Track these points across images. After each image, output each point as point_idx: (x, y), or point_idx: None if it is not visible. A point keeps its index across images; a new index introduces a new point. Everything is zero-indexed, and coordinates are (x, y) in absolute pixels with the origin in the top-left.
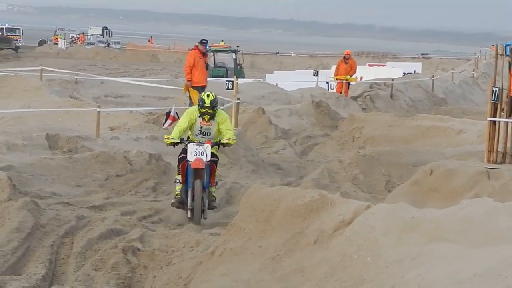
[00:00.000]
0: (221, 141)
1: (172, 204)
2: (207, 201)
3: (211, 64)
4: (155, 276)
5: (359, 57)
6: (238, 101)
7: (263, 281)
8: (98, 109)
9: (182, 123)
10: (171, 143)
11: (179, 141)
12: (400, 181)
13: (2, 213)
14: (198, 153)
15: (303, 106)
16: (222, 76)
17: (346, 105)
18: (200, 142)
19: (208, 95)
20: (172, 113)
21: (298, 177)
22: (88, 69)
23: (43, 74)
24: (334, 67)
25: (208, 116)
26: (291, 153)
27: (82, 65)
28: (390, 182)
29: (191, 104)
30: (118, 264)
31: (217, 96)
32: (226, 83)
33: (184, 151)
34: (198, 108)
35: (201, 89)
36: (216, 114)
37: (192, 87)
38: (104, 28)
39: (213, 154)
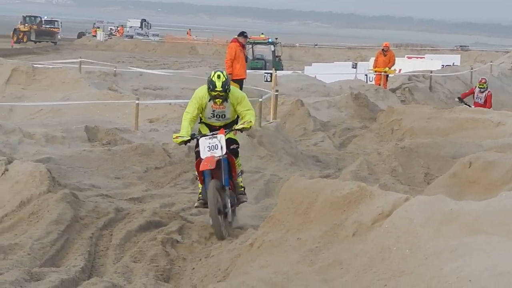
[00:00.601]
0: (237, 127)
1: (197, 207)
2: (228, 201)
3: (250, 57)
4: (193, 268)
5: (397, 49)
6: (276, 93)
7: (302, 273)
8: (137, 101)
9: (191, 110)
10: (181, 142)
11: (189, 138)
12: (438, 173)
13: (41, 205)
14: (212, 148)
15: (342, 98)
16: (260, 68)
17: (385, 97)
18: (213, 134)
19: (219, 76)
20: None
21: (337, 169)
22: (126, 61)
23: (82, 66)
24: (372, 59)
25: (221, 100)
26: (330, 145)
27: (121, 57)
28: (429, 174)
29: None
30: (157, 256)
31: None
32: (264, 75)
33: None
34: (208, 91)
35: (240, 82)
36: (230, 95)
37: (232, 80)
38: (143, 20)
39: (231, 140)
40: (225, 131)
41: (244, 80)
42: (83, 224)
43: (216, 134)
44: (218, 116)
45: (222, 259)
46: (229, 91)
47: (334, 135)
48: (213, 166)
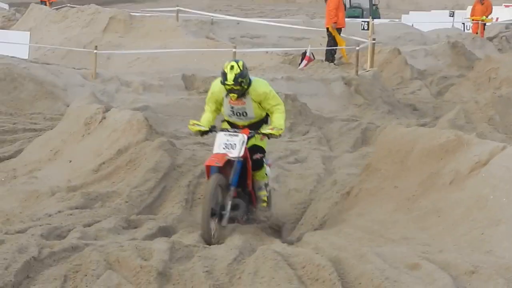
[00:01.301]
0: (263, 131)
1: None
2: (229, 204)
3: (347, 5)
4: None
5: None
6: (373, 41)
7: (399, 221)
8: (234, 50)
9: (210, 104)
10: (197, 130)
11: (208, 129)
12: None
13: (138, 153)
14: (229, 146)
15: (439, 47)
16: (357, 17)
17: (482, 46)
18: (235, 131)
19: (232, 67)
20: (308, 54)
21: (434, 118)
22: (223, 9)
23: (179, 14)
24: (470, 7)
25: (236, 95)
26: (427, 93)
27: (218, 5)
28: None
29: (334, 44)
30: None
31: (245, 66)
32: (361, 24)
33: None
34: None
35: (339, 30)
36: (250, 90)
37: (337, 29)
38: None
39: (256, 148)
40: (250, 132)
41: (342, 29)
42: (180, 172)
43: (237, 133)
44: (238, 114)
45: (319, 207)
46: (246, 85)
47: (431, 84)
48: (220, 164)
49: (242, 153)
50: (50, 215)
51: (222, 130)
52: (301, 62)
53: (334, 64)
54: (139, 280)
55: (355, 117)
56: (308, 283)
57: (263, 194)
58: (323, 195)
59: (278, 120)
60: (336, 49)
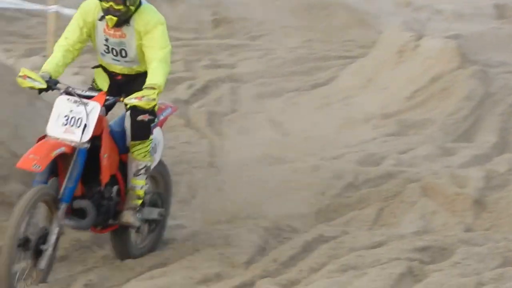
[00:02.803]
0: (126, 100)
1: None
2: (56, 231)
3: None
4: None
5: None
6: None
7: None
8: None
9: (70, 33)
10: (29, 87)
11: (45, 87)
12: None
13: (452, 81)
14: (73, 121)
15: None
16: None
17: None
18: (87, 95)
19: None
20: None
21: None
22: None
23: None
24: None
25: (114, 19)
26: None
27: None
28: None
29: None
30: None
31: None
32: None
33: None
34: None
35: None
36: (135, 17)
37: None
38: None
39: (138, 109)
40: (107, 99)
41: None
42: (494, 101)
43: (88, 101)
44: (114, 52)
45: None
46: (133, 6)
47: None
48: (41, 166)
49: (89, 135)
50: (365, 142)
51: (67, 90)
52: None
53: None
54: (454, 208)
55: None
56: None
57: (139, 184)
58: None
59: (154, 76)
60: None
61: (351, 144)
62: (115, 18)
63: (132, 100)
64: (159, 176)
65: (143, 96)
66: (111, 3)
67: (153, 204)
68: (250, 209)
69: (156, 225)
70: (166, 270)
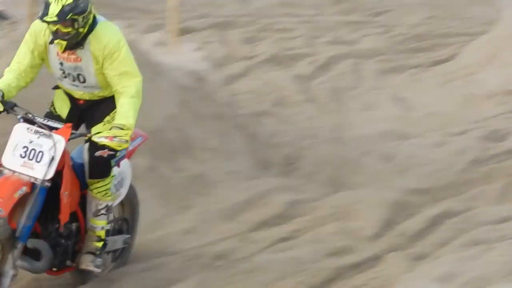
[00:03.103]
0: (94, 138)
1: None
2: (11, 272)
3: None
4: None
5: None
6: None
7: None
8: None
9: (22, 53)
10: None
11: (1, 108)
12: None
13: None
14: (32, 154)
15: None
16: None
17: None
18: (50, 126)
19: None
20: None
21: None
22: None
23: None
24: None
25: (63, 43)
26: None
27: None
28: None
29: None
30: None
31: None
32: None
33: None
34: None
35: None
36: (90, 37)
37: None
38: None
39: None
40: (73, 133)
41: None
42: None
43: (51, 133)
44: (71, 77)
45: None
46: (85, 28)
47: None
48: (3, 213)
49: (51, 173)
50: (488, 118)
51: (27, 118)
52: None
53: None
54: None
55: None
56: None
57: (99, 225)
58: None
59: (125, 115)
60: None
61: (474, 120)
62: (64, 42)
63: (103, 139)
64: (126, 200)
65: (115, 136)
66: (58, 25)
67: (119, 231)
68: (377, 183)
69: (121, 253)
70: (293, 244)
